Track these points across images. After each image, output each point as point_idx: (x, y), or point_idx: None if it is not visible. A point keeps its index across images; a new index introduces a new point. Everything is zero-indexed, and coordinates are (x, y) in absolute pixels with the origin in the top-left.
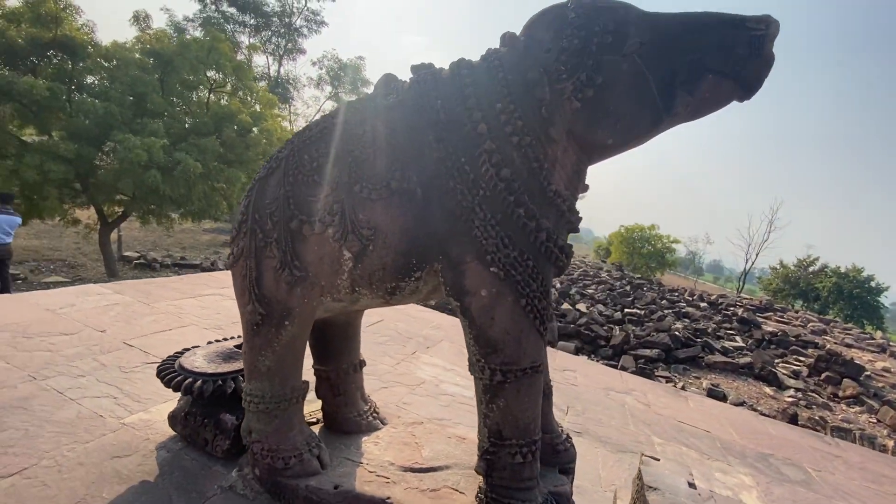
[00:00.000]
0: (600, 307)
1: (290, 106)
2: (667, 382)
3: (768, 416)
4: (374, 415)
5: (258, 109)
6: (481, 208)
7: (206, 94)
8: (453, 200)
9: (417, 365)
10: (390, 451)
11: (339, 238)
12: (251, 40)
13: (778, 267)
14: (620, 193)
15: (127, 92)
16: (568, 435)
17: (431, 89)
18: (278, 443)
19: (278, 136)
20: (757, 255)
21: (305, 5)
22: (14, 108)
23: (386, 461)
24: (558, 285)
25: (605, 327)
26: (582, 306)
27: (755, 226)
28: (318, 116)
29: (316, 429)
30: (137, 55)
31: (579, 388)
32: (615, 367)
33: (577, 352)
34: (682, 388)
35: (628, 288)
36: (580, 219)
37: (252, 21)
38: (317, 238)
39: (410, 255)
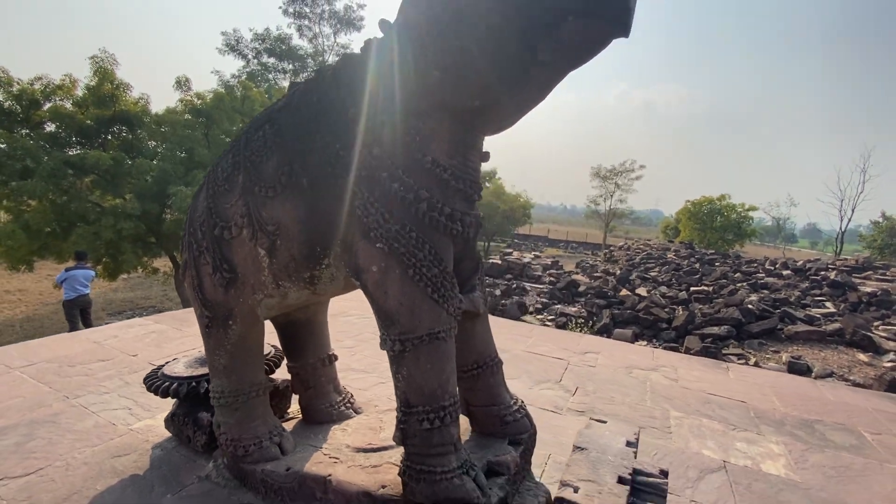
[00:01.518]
0: (663, 289)
1: None
2: (739, 360)
3: (863, 385)
4: (348, 404)
5: None
6: (359, 188)
7: None
8: (335, 185)
9: None
10: (353, 435)
11: (252, 238)
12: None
13: (881, 220)
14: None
15: (177, 149)
16: (521, 407)
17: (313, 86)
18: (240, 433)
19: None
20: (853, 210)
21: (335, 41)
22: (91, 179)
23: (344, 444)
24: (618, 272)
25: (667, 309)
26: (642, 290)
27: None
28: None
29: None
30: (185, 116)
31: (597, 368)
32: (677, 349)
33: (635, 338)
34: (756, 364)
35: (697, 265)
36: (476, 185)
37: (290, 66)
38: (238, 241)
39: (313, 243)
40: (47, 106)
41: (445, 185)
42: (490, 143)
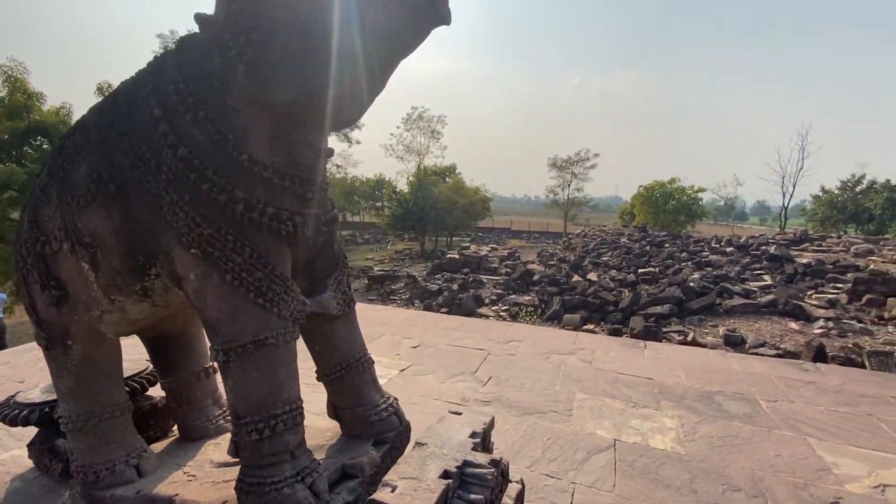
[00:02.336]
0: (613, 272)
1: None
2: (678, 336)
3: (793, 352)
4: (228, 418)
5: None
6: (167, 192)
7: None
8: (145, 191)
9: None
10: (223, 450)
11: (72, 251)
12: None
13: (821, 194)
14: (646, 155)
15: None
16: (390, 405)
17: (127, 85)
18: (91, 458)
19: None
20: (794, 186)
21: None
22: (9, 196)
23: (209, 460)
24: (571, 258)
25: (615, 292)
26: (593, 275)
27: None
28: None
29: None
30: None
31: (516, 356)
32: (620, 331)
33: (583, 322)
34: (693, 339)
35: (648, 248)
36: (310, 183)
37: None
38: (61, 255)
39: (135, 253)
40: None
41: (268, 183)
42: (450, 139)
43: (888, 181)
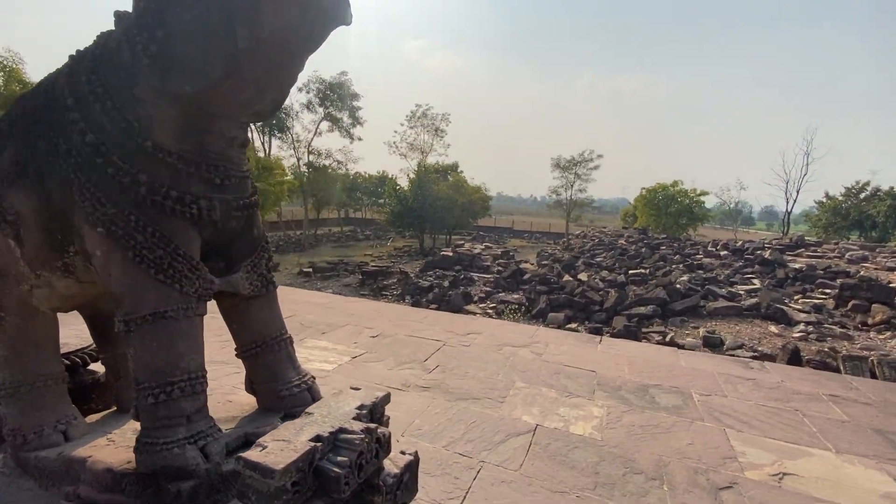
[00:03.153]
0: (605, 273)
1: (289, 133)
2: (657, 337)
3: (770, 355)
4: None
5: None
6: (76, 175)
7: None
8: (59, 174)
9: (297, 350)
10: None
11: None
12: None
13: (824, 200)
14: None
15: None
16: (304, 382)
17: (44, 80)
18: (21, 422)
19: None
20: (798, 192)
21: None
22: None
23: (132, 428)
24: (565, 257)
25: (602, 292)
26: (584, 276)
27: (790, 160)
28: (315, 139)
29: None
30: None
31: (470, 347)
32: (600, 330)
33: (567, 320)
34: (670, 340)
35: (644, 250)
36: (221, 169)
37: None
38: None
39: (52, 231)
40: None
41: (173, 168)
42: (457, 136)
43: (892, 188)
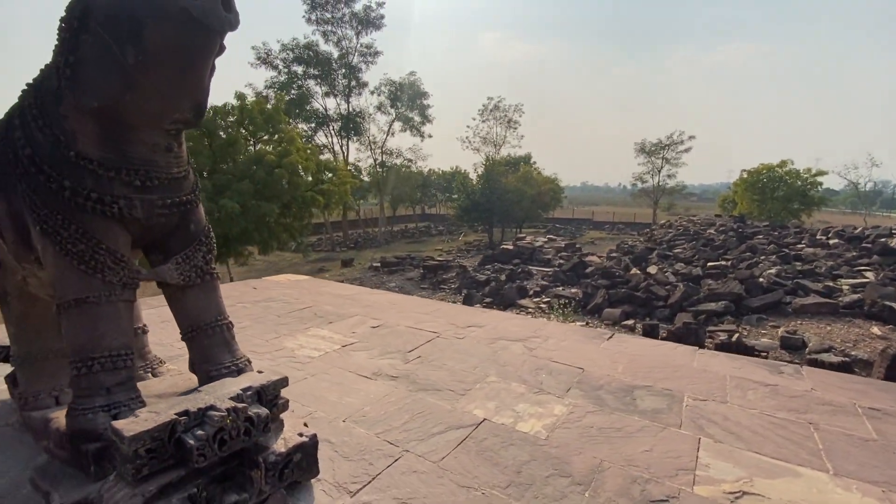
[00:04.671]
0: (679, 265)
1: (365, 136)
2: (723, 336)
3: (864, 360)
4: (149, 370)
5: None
6: (21, 183)
7: (245, 146)
8: (12, 182)
9: (297, 337)
10: None
11: None
12: (322, 88)
13: None
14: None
15: None
16: (236, 364)
17: (11, 107)
18: (26, 388)
19: (303, 165)
20: None
21: (357, 42)
22: None
23: None
24: (637, 249)
25: (669, 286)
26: (653, 269)
27: None
28: (388, 139)
29: None
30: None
31: (463, 340)
32: (657, 327)
33: (625, 316)
34: (737, 340)
35: (734, 239)
36: (142, 173)
37: (316, 71)
38: None
39: (21, 231)
40: None
41: (94, 174)
42: (534, 126)
43: None
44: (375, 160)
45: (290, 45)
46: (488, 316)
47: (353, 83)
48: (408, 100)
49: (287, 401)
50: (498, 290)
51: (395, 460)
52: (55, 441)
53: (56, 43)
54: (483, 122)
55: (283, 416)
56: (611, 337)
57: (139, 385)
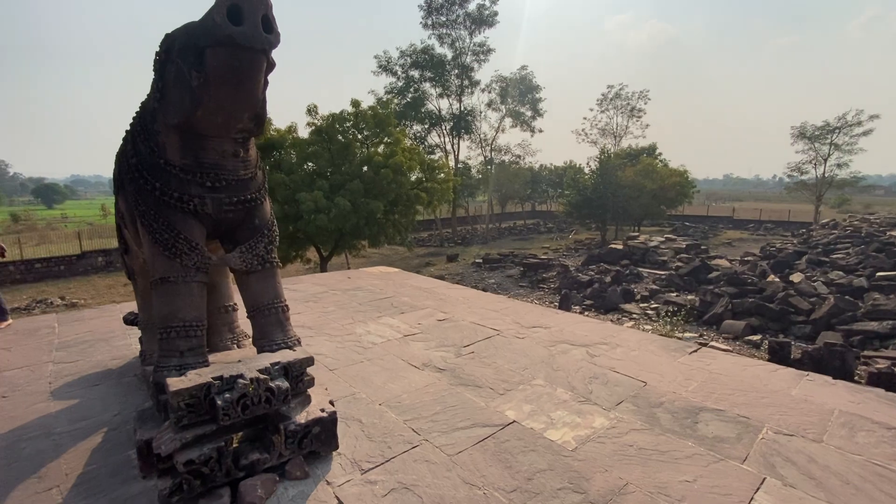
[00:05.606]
0: (836, 274)
1: (476, 134)
2: (884, 365)
3: None
4: (235, 342)
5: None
6: (129, 185)
7: (359, 149)
8: (125, 185)
9: (368, 324)
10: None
11: (121, 220)
12: (436, 90)
13: None
14: None
15: (304, 164)
16: (286, 343)
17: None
18: (146, 347)
19: (406, 166)
20: None
21: (471, 42)
22: None
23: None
24: (781, 253)
25: (815, 298)
26: (798, 276)
27: None
28: (499, 135)
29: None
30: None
31: (523, 340)
32: (788, 350)
33: (751, 330)
34: (891, 369)
35: None
36: (212, 175)
37: (430, 74)
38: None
39: (135, 223)
40: None
41: (177, 178)
42: (667, 114)
43: None
44: (485, 157)
45: (407, 52)
46: (559, 318)
47: (466, 82)
48: (519, 95)
49: (312, 378)
50: (600, 293)
51: (413, 447)
52: (150, 391)
53: (153, 73)
54: (602, 112)
55: (317, 391)
56: (695, 351)
57: (224, 354)
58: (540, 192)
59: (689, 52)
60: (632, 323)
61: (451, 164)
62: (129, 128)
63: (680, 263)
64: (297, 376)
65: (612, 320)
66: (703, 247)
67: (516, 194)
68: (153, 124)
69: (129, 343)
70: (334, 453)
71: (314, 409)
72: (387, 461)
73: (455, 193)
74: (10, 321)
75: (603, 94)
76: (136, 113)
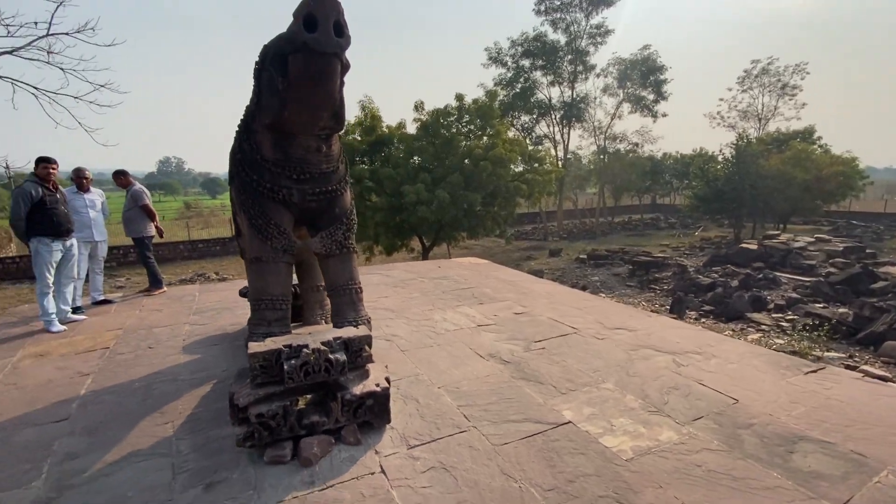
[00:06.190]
0: None
1: (589, 121)
2: None
3: None
4: (326, 317)
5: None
6: (236, 177)
7: (462, 142)
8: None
9: (446, 312)
10: (307, 329)
11: (234, 208)
12: (546, 78)
13: None
14: None
15: (409, 158)
16: (356, 321)
17: None
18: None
19: (507, 156)
20: None
21: (587, 25)
22: (363, 186)
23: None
24: None
25: None
26: None
27: None
28: (615, 122)
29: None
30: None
31: (602, 341)
32: None
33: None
34: None
35: None
36: (299, 169)
37: (541, 62)
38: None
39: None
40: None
41: (270, 171)
42: (830, 91)
43: None
44: (598, 146)
45: (519, 41)
46: (650, 321)
47: (579, 68)
48: (639, 77)
49: (370, 354)
50: (723, 298)
51: (460, 432)
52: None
53: (253, 80)
54: (743, 91)
55: (377, 368)
56: (814, 371)
57: (313, 327)
58: (662, 184)
59: (865, 14)
60: (758, 335)
61: (560, 154)
62: (237, 129)
63: (833, 269)
64: (356, 351)
65: (732, 330)
66: (868, 250)
67: (632, 186)
68: (252, 125)
69: (247, 312)
70: (388, 427)
71: (370, 384)
72: (433, 441)
73: (561, 185)
74: (165, 289)
75: (746, 71)
76: (242, 116)
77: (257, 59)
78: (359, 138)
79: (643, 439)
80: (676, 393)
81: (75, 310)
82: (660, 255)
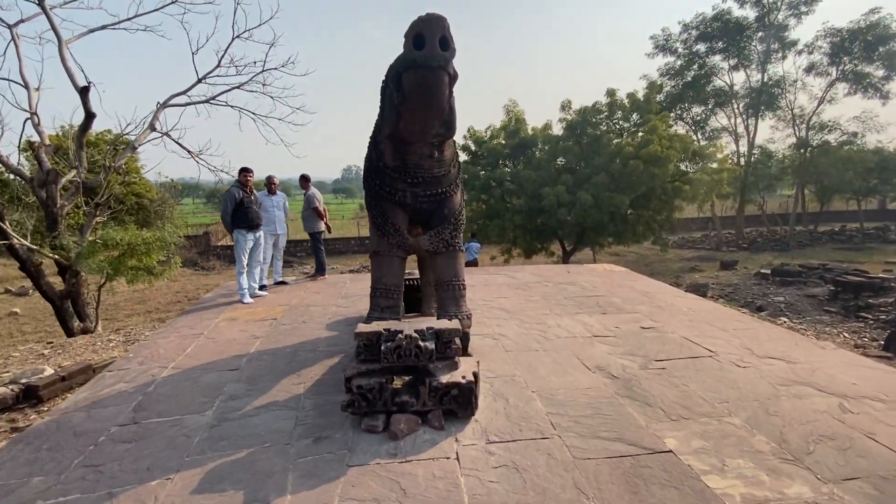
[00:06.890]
0: None
1: (785, 109)
2: None
3: None
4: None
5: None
6: (365, 181)
7: (612, 140)
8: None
9: (562, 318)
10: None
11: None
12: (729, 62)
13: None
14: None
15: (552, 160)
16: (456, 315)
17: None
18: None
19: (664, 155)
20: None
21: None
22: (504, 189)
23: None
24: None
25: None
26: None
27: None
28: (823, 108)
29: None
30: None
31: (745, 370)
32: None
33: None
34: None
35: None
36: (413, 174)
37: (721, 45)
38: None
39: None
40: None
41: (389, 176)
42: None
43: None
44: (797, 138)
45: (693, 23)
46: (820, 353)
47: (774, 45)
48: (862, 50)
49: (459, 347)
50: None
51: (542, 438)
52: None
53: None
54: None
55: (470, 362)
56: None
57: (426, 317)
58: (892, 185)
59: None
60: None
61: (743, 149)
62: (369, 141)
63: None
64: (447, 342)
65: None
66: None
67: (847, 186)
68: (378, 136)
69: None
70: (472, 419)
71: (457, 375)
72: (512, 441)
73: (743, 186)
74: (326, 276)
75: None
76: (372, 130)
77: (385, 76)
78: (503, 142)
79: (762, 488)
80: (829, 444)
81: (261, 287)
82: (882, 275)
